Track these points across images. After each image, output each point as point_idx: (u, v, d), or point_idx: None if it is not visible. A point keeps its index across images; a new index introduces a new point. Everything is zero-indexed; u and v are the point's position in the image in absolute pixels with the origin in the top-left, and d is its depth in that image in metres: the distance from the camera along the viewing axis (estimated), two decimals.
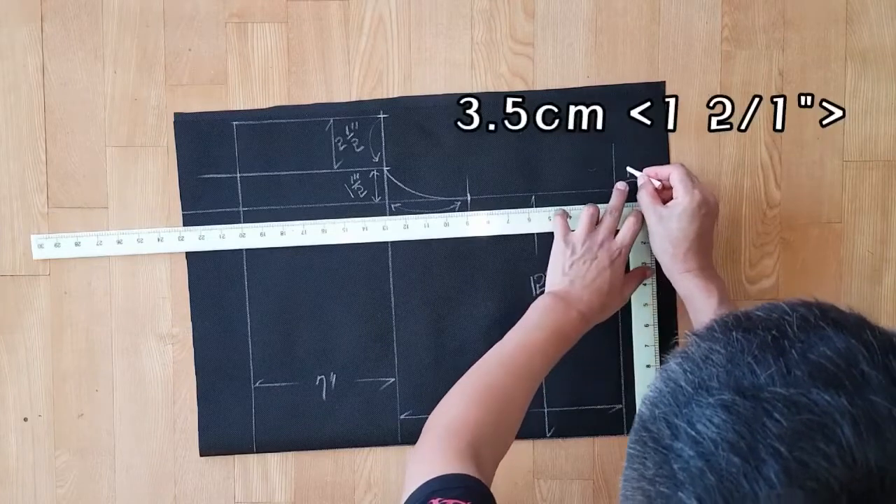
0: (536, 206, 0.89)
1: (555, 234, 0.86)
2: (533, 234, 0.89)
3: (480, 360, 0.77)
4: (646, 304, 0.88)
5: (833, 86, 0.89)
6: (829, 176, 0.90)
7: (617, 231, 0.84)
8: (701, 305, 0.81)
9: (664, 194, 0.83)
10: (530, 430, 0.88)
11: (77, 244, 0.89)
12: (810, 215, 0.90)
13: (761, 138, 0.89)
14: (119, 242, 0.90)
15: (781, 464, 0.37)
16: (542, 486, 0.91)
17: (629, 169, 0.87)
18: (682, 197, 0.79)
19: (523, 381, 0.75)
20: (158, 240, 0.89)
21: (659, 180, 0.83)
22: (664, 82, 0.89)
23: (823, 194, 0.90)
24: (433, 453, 0.67)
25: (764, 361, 0.41)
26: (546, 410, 0.90)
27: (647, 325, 0.89)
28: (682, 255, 0.80)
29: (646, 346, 0.89)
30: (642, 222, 0.85)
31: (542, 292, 0.88)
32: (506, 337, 0.79)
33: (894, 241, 0.90)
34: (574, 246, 0.83)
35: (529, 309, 0.81)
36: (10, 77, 0.90)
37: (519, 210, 0.89)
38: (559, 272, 0.83)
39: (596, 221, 0.85)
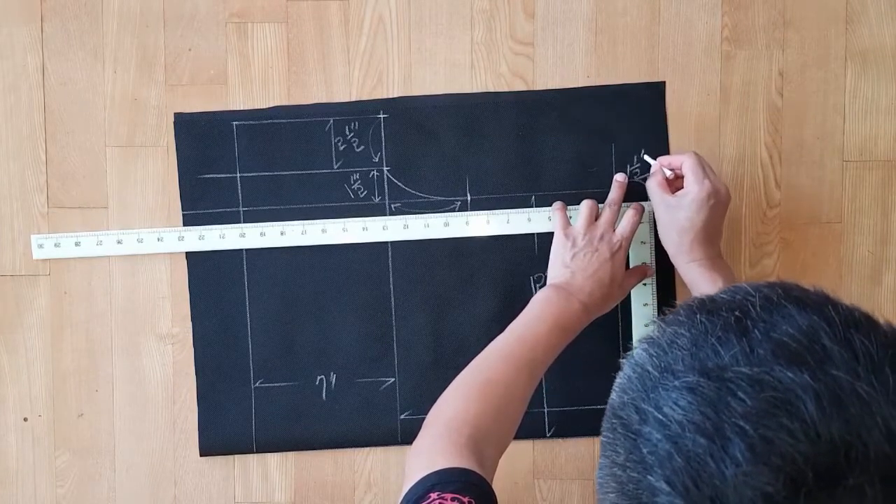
0: (536, 206, 0.89)
1: (555, 227, 0.86)
2: (533, 234, 0.89)
3: (481, 353, 0.77)
4: (646, 304, 0.88)
5: (833, 86, 0.89)
6: (829, 176, 0.90)
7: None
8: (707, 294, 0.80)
9: (676, 183, 0.83)
10: (530, 430, 0.88)
11: (77, 244, 0.89)
12: (810, 215, 0.90)
13: (761, 138, 0.90)
14: (119, 242, 0.90)
15: (746, 442, 0.38)
16: (542, 486, 0.91)
17: (645, 156, 0.87)
18: (692, 186, 0.79)
19: (524, 373, 0.75)
20: (158, 240, 0.89)
21: (671, 169, 0.83)
22: (664, 82, 0.89)
23: (823, 194, 0.90)
24: (433, 448, 0.67)
25: (727, 342, 0.41)
26: (546, 410, 0.90)
27: (647, 325, 0.89)
28: (689, 245, 0.80)
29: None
30: (642, 214, 0.85)
31: None
32: (507, 330, 0.79)
33: (894, 241, 0.90)
34: (574, 238, 0.83)
35: (531, 301, 0.81)
36: (10, 77, 0.90)
37: (519, 210, 0.89)
38: (560, 264, 0.83)
39: (596, 216, 0.85)
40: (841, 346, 0.40)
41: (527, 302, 0.89)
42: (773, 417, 0.38)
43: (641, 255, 0.88)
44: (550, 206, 0.88)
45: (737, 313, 0.42)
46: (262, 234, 0.89)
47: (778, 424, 0.38)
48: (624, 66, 0.90)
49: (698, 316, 0.43)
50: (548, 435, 0.90)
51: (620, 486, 0.42)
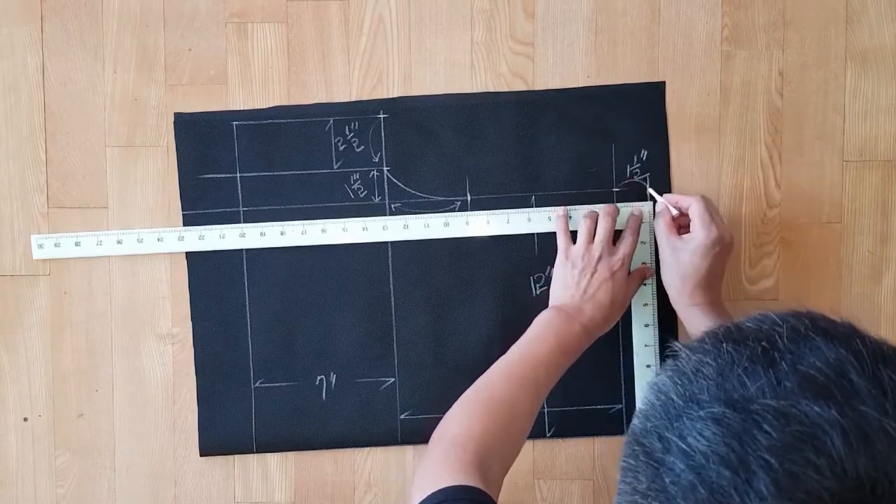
0: (536, 206, 0.89)
1: (558, 248, 0.86)
2: (533, 235, 0.89)
3: (484, 374, 0.77)
4: (646, 304, 0.88)
5: (833, 86, 0.89)
6: (829, 176, 0.90)
7: (616, 239, 0.85)
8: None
9: (680, 220, 0.83)
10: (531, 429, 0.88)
11: (77, 244, 0.89)
12: (810, 215, 0.90)
13: (761, 138, 0.90)
14: (119, 242, 0.90)
15: (771, 476, 0.37)
16: (542, 486, 0.91)
17: (650, 191, 0.87)
18: (699, 232, 0.79)
19: (527, 392, 0.75)
20: (158, 240, 0.89)
21: (677, 209, 0.83)
22: (664, 82, 0.89)
23: (823, 194, 0.90)
24: (438, 466, 0.67)
25: (754, 373, 0.41)
26: (546, 410, 0.90)
27: (647, 325, 0.89)
28: (691, 290, 0.81)
29: (646, 345, 0.89)
30: (639, 230, 0.86)
31: (543, 292, 0.88)
32: (509, 350, 0.79)
33: (894, 241, 0.90)
34: (574, 261, 0.84)
35: (533, 322, 0.82)
36: (10, 77, 0.90)
37: (519, 210, 0.89)
38: (561, 286, 0.84)
39: (594, 232, 0.85)
40: (869, 381, 0.40)
41: (527, 301, 0.89)
42: (799, 452, 0.38)
43: (641, 255, 0.88)
44: (550, 206, 0.88)
45: (763, 344, 0.42)
46: (262, 234, 0.89)
47: (804, 459, 0.37)
48: (624, 66, 0.90)
49: (724, 345, 0.43)
50: (548, 435, 0.90)
51: None
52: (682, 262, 0.81)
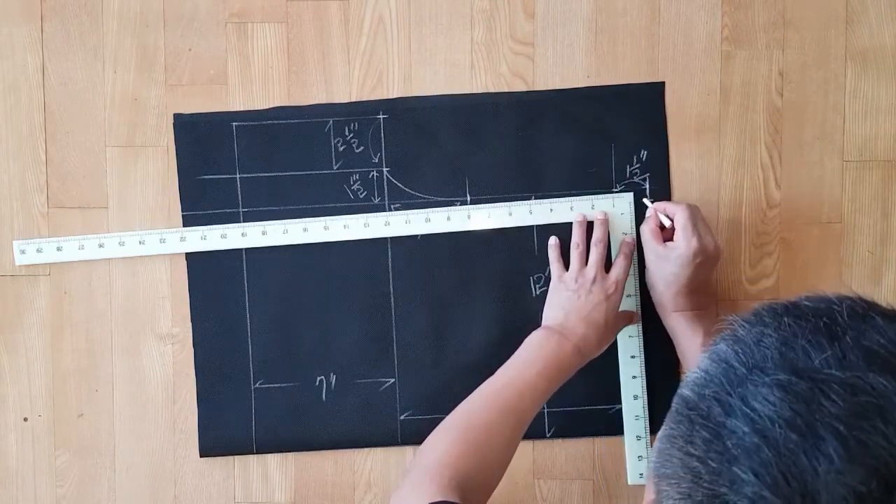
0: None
1: (552, 274, 0.87)
2: (533, 235, 0.89)
3: (468, 398, 0.77)
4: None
5: (833, 86, 0.89)
6: (829, 176, 0.90)
7: (609, 263, 0.86)
8: (686, 344, 0.83)
9: (670, 229, 0.83)
10: (530, 430, 0.87)
11: (81, 248, 0.89)
12: (810, 215, 0.90)
13: (761, 138, 0.89)
14: (121, 244, 0.89)
15: (841, 441, 0.38)
16: (542, 486, 0.91)
17: (644, 200, 0.87)
18: (680, 242, 0.80)
19: (509, 419, 0.75)
20: (161, 241, 0.89)
21: (668, 216, 0.83)
22: (664, 82, 0.89)
23: (823, 194, 0.90)
24: (417, 487, 0.67)
25: (818, 345, 0.41)
26: (546, 410, 0.90)
27: (631, 336, 0.89)
28: (672, 296, 0.83)
29: (632, 357, 0.89)
30: (633, 255, 0.86)
31: (543, 292, 0.88)
32: (497, 373, 0.79)
33: (894, 241, 0.90)
34: (567, 283, 0.84)
35: (523, 344, 0.81)
36: (10, 77, 0.90)
37: (521, 203, 0.89)
38: (555, 306, 0.84)
39: (586, 258, 0.85)
40: None
41: (527, 302, 0.89)
42: (868, 420, 0.38)
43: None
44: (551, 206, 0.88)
45: (825, 319, 0.43)
46: (264, 233, 0.89)
47: (873, 427, 0.38)
48: (624, 66, 0.90)
49: (785, 319, 0.44)
50: (548, 435, 0.90)
51: (696, 479, 0.41)
52: (665, 270, 0.82)
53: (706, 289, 0.85)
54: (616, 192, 0.89)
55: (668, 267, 0.81)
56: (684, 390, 0.45)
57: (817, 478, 0.38)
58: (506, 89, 0.89)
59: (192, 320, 0.90)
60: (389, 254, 0.89)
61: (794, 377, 0.40)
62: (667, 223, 0.83)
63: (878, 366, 0.40)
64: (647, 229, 0.83)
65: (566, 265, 0.86)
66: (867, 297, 0.45)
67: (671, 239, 0.82)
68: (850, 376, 0.40)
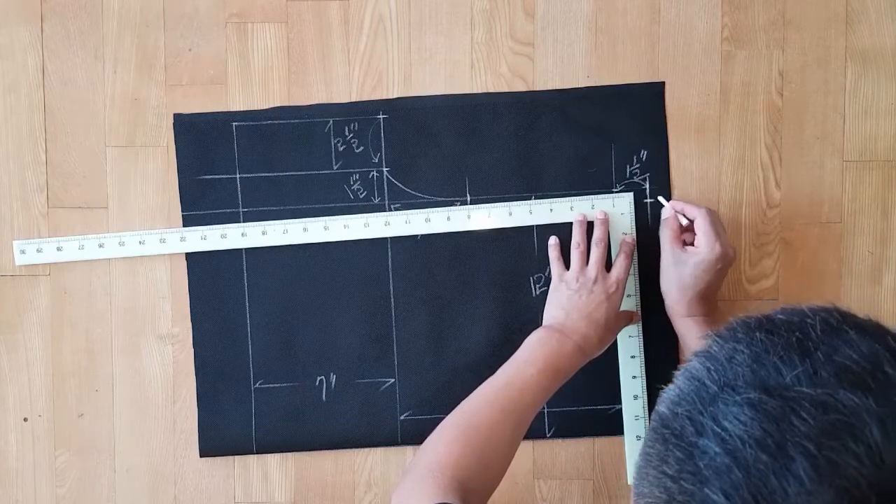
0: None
1: (552, 274, 0.86)
2: (533, 235, 0.89)
3: (468, 397, 0.77)
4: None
5: (833, 86, 0.89)
6: (829, 176, 0.90)
7: (609, 263, 0.86)
8: (695, 348, 0.82)
9: (685, 230, 0.83)
10: (530, 430, 0.88)
11: (81, 248, 0.89)
12: (810, 215, 0.90)
13: (761, 138, 0.90)
14: (121, 244, 0.89)
15: (811, 461, 0.38)
16: (542, 486, 0.91)
17: (659, 198, 0.87)
18: (703, 247, 0.79)
19: (510, 418, 0.74)
20: (161, 241, 0.89)
21: (686, 217, 0.83)
22: (664, 82, 0.89)
23: (823, 194, 0.90)
24: (417, 487, 0.67)
25: (790, 362, 0.41)
26: (546, 410, 0.90)
27: (631, 336, 0.89)
28: (687, 301, 0.82)
29: (632, 357, 0.89)
30: (633, 254, 0.86)
31: (543, 292, 0.88)
32: (497, 372, 0.79)
33: (894, 241, 0.90)
34: (568, 282, 0.84)
35: (524, 343, 0.81)
36: (10, 77, 0.90)
37: (521, 203, 0.89)
38: (555, 306, 0.84)
39: (587, 258, 0.85)
40: None
41: (527, 302, 0.89)
42: (838, 439, 0.38)
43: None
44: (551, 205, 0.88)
45: (797, 334, 0.42)
46: (264, 233, 0.89)
47: (843, 447, 0.38)
48: (624, 66, 0.90)
49: (757, 334, 0.43)
50: (548, 435, 0.90)
51: (670, 498, 0.41)
52: (683, 274, 0.81)
53: (716, 293, 0.85)
54: (616, 192, 0.89)
55: (687, 271, 0.81)
56: (661, 407, 0.45)
57: (787, 499, 0.37)
58: (506, 89, 0.89)
59: (192, 320, 0.90)
60: (389, 254, 0.89)
61: (764, 395, 0.40)
62: (685, 223, 0.83)
63: (848, 382, 0.40)
64: (668, 233, 0.83)
65: (566, 265, 0.86)
66: (843, 309, 0.45)
67: (686, 240, 0.82)
68: (820, 393, 0.39)
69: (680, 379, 0.45)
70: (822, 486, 0.37)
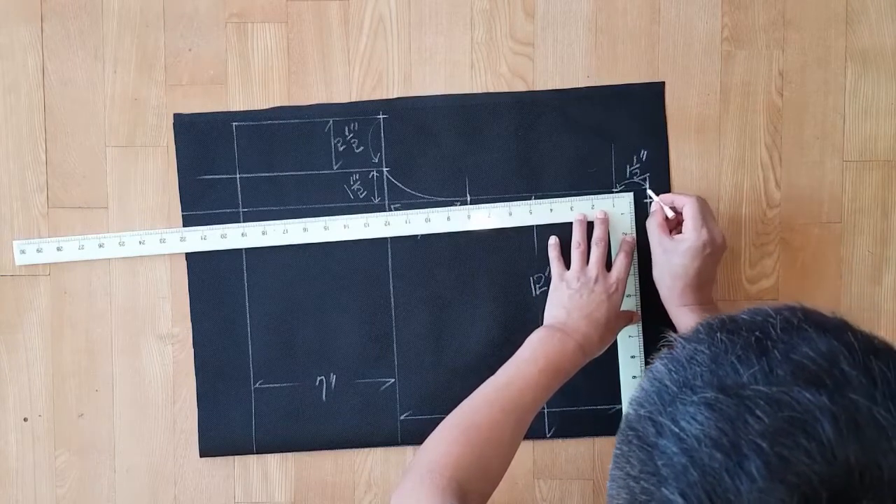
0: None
1: (553, 273, 0.86)
2: (533, 235, 0.89)
3: (469, 396, 0.77)
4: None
5: (833, 86, 0.89)
6: (829, 176, 0.90)
7: (610, 263, 0.86)
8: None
9: (672, 221, 0.83)
10: (530, 430, 0.88)
11: (81, 248, 0.89)
12: (810, 215, 0.90)
13: (761, 138, 0.90)
14: (121, 244, 0.89)
15: (763, 459, 0.38)
16: (542, 486, 0.91)
17: (649, 191, 0.87)
18: (689, 233, 0.79)
19: (510, 418, 0.74)
20: (161, 241, 0.89)
21: (673, 209, 0.83)
22: (664, 82, 0.89)
23: (823, 194, 0.90)
24: (416, 489, 0.67)
25: (747, 361, 0.41)
26: (546, 410, 0.90)
27: (631, 336, 0.89)
28: (680, 290, 0.82)
29: (631, 357, 0.89)
30: (633, 253, 0.86)
31: (543, 292, 0.88)
32: (498, 372, 0.78)
33: (894, 241, 0.90)
34: (569, 282, 0.84)
35: (525, 342, 0.81)
36: (10, 77, 0.90)
37: (521, 203, 0.89)
38: (556, 305, 0.84)
39: (587, 257, 0.85)
40: (859, 371, 0.40)
41: (527, 302, 0.89)
42: (791, 437, 0.38)
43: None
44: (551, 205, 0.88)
45: (757, 334, 0.43)
46: (264, 233, 0.89)
47: (795, 444, 0.38)
48: (624, 66, 0.90)
49: (718, 335, 0.44)
50: (548, 435, 0.90)
51: (632, 498, 0.42)
52: (672, 263, 0.81)
53: (711, 282, 0.85)
54: (616, 191, 0.89)
55: (676, 259, 0.80)
56: (628, 408, 0.46)
57: (740, 496, 0.38)
58: (506, 89, 0.89)
59: (192, 320, 0.90)
60: (389, 254, 0.90)
61: (721, 395, 0.40)
62: (670, 214, 0.83)
63: (804, 379, 0.40)
64: (654, 223, 0.83)
65: (566, 265, 0.86)
66: (808, 308, 0.45)
67: (677, 232, 0.82)
68: (776, 391, 0.39)
69: (644, 380, 0.45)
70: (774, 483, 0.37)
